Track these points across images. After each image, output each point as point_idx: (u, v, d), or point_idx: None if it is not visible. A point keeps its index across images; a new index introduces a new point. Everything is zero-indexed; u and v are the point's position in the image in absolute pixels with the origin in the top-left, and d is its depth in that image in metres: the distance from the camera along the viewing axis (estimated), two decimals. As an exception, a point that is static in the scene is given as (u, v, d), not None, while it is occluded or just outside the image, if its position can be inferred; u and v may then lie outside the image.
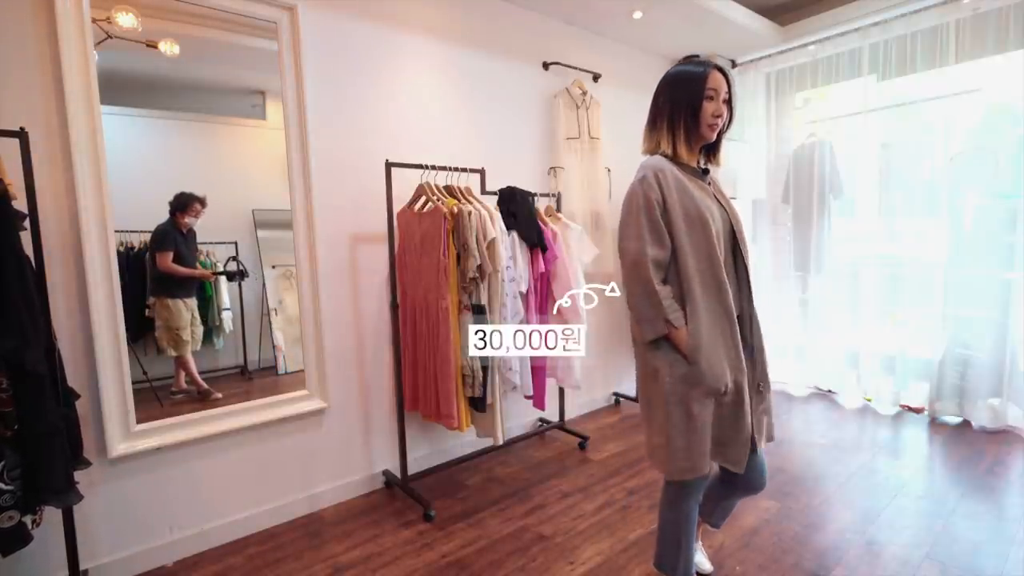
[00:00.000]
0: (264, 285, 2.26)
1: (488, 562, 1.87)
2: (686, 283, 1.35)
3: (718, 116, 1.39)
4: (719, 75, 1.39)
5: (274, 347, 2.30)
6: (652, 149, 1.48)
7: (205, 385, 2.07)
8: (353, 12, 2.27)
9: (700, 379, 1.34)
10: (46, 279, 1.53)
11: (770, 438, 1.50)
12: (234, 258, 2.10)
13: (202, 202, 2.00)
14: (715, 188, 1.47)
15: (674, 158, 1.43)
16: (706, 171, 1.48)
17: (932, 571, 1.76)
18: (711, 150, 1.50)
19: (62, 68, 1.63)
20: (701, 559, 1.75)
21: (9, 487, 1.36)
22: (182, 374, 2.02)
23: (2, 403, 1.34)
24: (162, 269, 1.93)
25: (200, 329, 1.99)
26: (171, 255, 1.95)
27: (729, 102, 1.42)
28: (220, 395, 2.07)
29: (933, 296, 3.13)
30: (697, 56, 1.65)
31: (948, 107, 3.03)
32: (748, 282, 1.45)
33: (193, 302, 1.99)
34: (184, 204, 1.99)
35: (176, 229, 1.97)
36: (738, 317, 1.41)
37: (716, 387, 1.34)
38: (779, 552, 1.86)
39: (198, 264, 2.03)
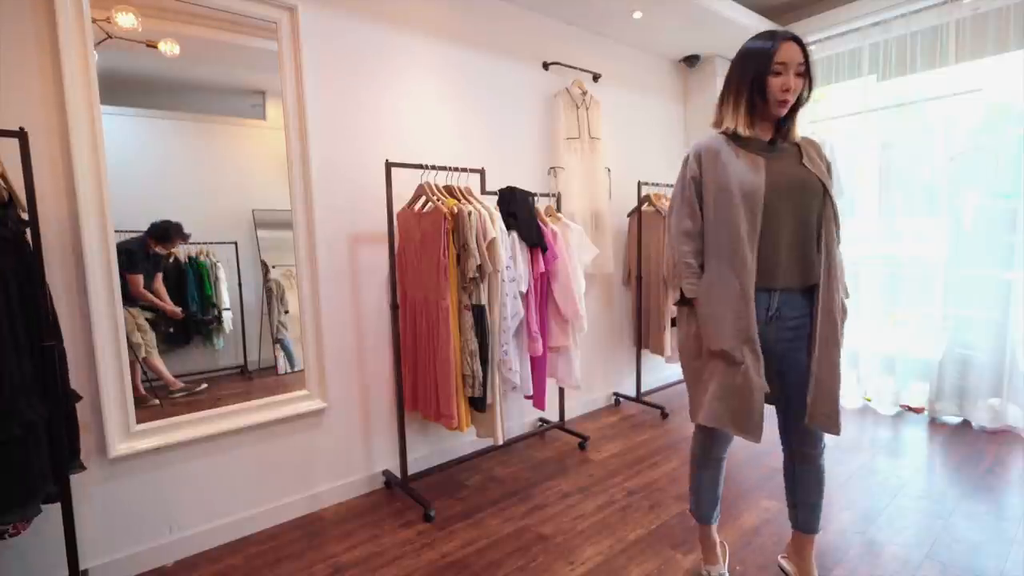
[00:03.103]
0: (264, 285, 2.26)
1: (488, 562, 1.87)
2: (707, 255, 1.49)
3: (787, 90, 1.37)
4: (789, 47, 1.36)
5: (274, 347, 2.30)
6: (716, 124, 1.51)
7: (180, 384, 2.04)
8: (353, 12, 2.27)
9: (704, 341, 1.47)
10: (46, 279, 1.53)
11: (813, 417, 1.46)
12: (214, 305, 2.11)
13: (184, 238, 1.99)
14: (792, 158, 1.45)
15: (737, 134, 1.45)
16: (773, 142, 1.46)
17: (932, 571, 1.76)
18: (785, 123, 1.46)
19: (62, 68, 1.63)
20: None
21: None
22: (139, 374, 1.97)
23: None
24: (134, 294, 1.92)
25: (151, 335, 1.97)
26: (142, 279, 1.95)
27: (805, 73, 1.39)
28: (205, 384, 2.07)
29: (933, 296, 3.13)
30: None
31: (948, 107, 3.03)
32: (806, 253, 1.45)
33: (137, 310, 1.96)
34: (166, 237, 1.97)
35: (144, 250, 1.95)
36: (802, 288, 1.46)
37: (714, 349, 1.44)
38: (779, 552, 1.86)
39: (160, 278, 2.00)
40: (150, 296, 1.97)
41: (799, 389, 1.49)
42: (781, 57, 1.36)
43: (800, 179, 1.43)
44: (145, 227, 1.94)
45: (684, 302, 1.52)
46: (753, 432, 1.42)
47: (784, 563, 1.75)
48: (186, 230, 2.02)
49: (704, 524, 1.73)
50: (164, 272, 2.01)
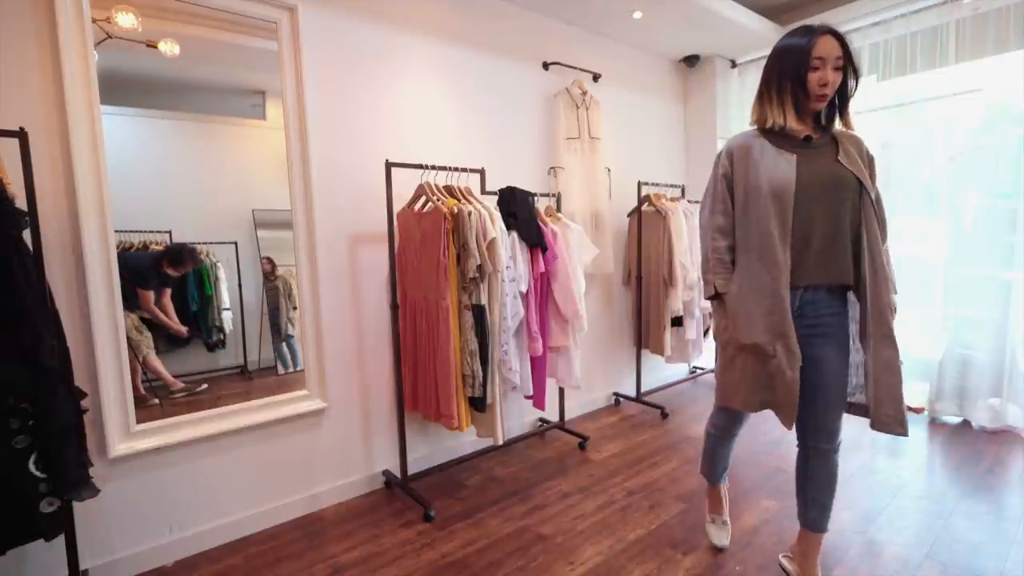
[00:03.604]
0: (270, 283, 2.26)
1: (488, 562, 1.87)
2: (737, 250, 1.53)
3: (824, 85, 1.37)
4: (827, 42, 1.37)
5: (281, 346, 2.30)
6: (758, 121, 1.51)
7: (180, 384, 2.06)
8: (353, 12, 2.27)
9: (734, 333, 1.51)
10: (46, 279, 1.53)
11: (874, 408, 1.46)
12: (220, 329, 2.13)
13: (197, 262, 2.04)
14: (827, 155, 1.44)
15: (775, 130, 1.45)
16: (808, 139, 1.45)
17: (932, 571, 1.76)
18: (830, 117, 1.48)
19: (62, 68, 1.63)
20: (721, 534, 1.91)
21: (43, 475, 1.40)
22: (139, 373, 1.99)
23: (20, 399, 1.37)
24: (143, 308, 1.95)
25: (149, 336, 1.99)
26: (152, 295, 1.98)
27: (846, 66, 1.39)
28: (205, 384, 2.08)
29: (933, 296, 3.13)
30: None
31: (948, 107, 3.03)
32: (837, 252, 1.44)
33: (133, 314, 1.98)
34: (180, 261, 2.01)
35: (155, 268, 1.98)
36: (829, 287, 1.47)
37: (746, 343, 1.48)
38: (779, 552, 1.86)
39: (168, 294, 2.03)
40: (158, 313, 2.00)
41: (815, 383, 1.50)
42: (818, 52, 1.36)
43: (834, 177, 1.41)
44: (145, 227, 1.94)
45: (717, 295, 1.57)
46: (788, 420, 1.48)
47: (786, 563, 1.75)
48: (187, 231, 2.02)
49: (716, 483, 1.91)
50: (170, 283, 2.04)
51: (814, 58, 1.36)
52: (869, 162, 1.48)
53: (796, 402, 1.45)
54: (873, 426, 1.46)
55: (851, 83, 1.43)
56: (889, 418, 1.43)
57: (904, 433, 1.42)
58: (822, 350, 1.49)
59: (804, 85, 1.39)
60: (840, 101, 1.45)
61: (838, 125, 1.50)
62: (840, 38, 1.38)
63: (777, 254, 1.41)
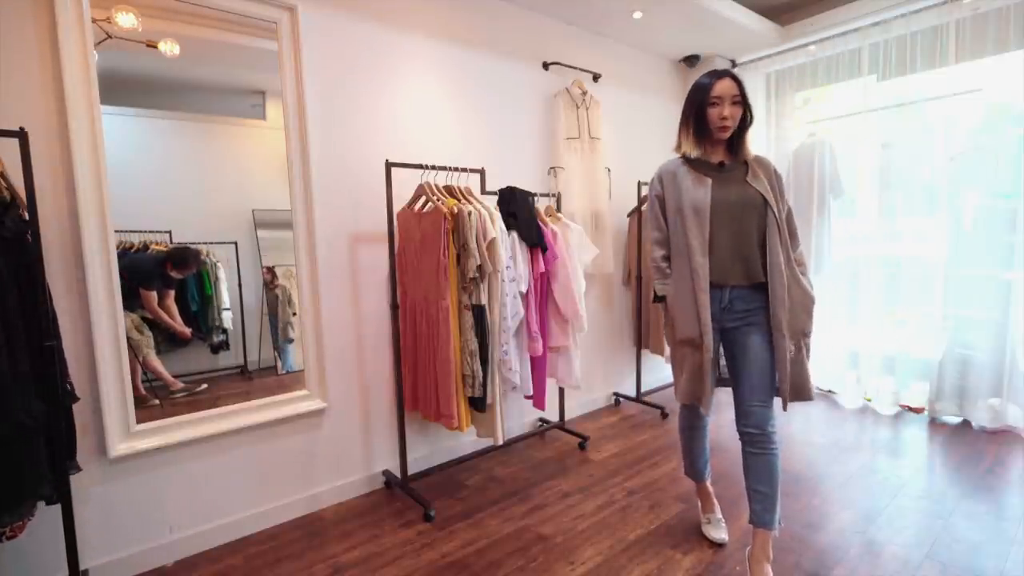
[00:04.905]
0: (270, 291, 2.26)
1: (488, 562, 1.87)
2: (672, 259, 1.76)
3: (723, 119, 1.62)
4: (725, 82, 1.63)
5: (284, 348, 2.30)
6: (676, 148, 1.77)
7: (180, 384, 2.06)
8: (353, 12, 2.27)
9: (675, 330, 1.74)
10: (45, 279, 1.53)
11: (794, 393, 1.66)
12: (222, 330, 2.14)
13: (201, 264, 2.07)
14: (738, 177, 1.67)
15: (691, 157, 1.70)
16: (722, 164, 1.69)
17: (932, 571, 1.76)
18: (734, 145, 1.70)
19: (62, 68, 1.63)
20: (718, 530, 1.98)
21: None
22: (139, 373, 1.99)
23: None
24: (148, 309, 1.96)
25: (149, 336, 2.00)
26: (156, 296, 1.98)
27: (742, 103, 1.63)
28: (205, 384, 2.09)
29: (933, 296, 3.13)
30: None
31: (948, 107, 3.03)
32: (748, 257, 1.66)
33: (133, 314, 1.99)
34: (184, 263, 2.03)
35: (159, 269, 1.98)
36: (751, 285, 1.66)
37: (682, 337, 1.72)
38: (779, 552, 1.86)
39: (171, 295, 2.04)
40: (162, 314, 2.00)
41: (742, 367, 1.69)
42: (716, 92, 1.62)
43: (742, 195, 1.65)
44: (145, 227, 1.94)
45: (659, 299, 1.81)
46: (705, 405, 1.70)
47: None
48: (187, 231, 2.03)
49: (700, 481, 2.03)
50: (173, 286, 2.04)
51: (713, 97, 1.62)
52: (777, 179, 1.71)
53: (708, 392, 1.68)
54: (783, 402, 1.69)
55: (748, 118, 1.67)
56: (787, 392, 1.66)
57: (806, 399, 1.67)
58: (749, 337, 1.69)
59: (704, 120, 1.65)
60: (738, 131, 1.68)
61: (754, 150, 1.72)
62: (736, 79, 1.63)
63: (698, 263, 1.64)
